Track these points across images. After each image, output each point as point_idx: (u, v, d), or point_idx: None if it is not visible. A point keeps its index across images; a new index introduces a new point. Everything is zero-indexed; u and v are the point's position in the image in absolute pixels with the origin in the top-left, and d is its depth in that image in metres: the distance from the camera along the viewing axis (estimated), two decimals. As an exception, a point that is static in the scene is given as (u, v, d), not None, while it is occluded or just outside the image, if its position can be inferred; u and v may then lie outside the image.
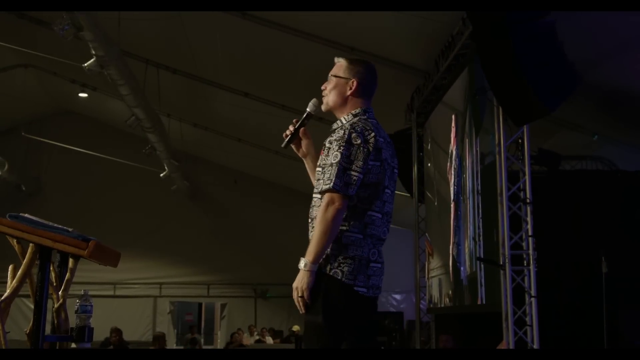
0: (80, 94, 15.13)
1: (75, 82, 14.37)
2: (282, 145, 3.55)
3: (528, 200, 6.61)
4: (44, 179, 17.93)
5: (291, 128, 3.52)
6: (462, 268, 8.11)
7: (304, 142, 3.56)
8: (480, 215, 7.28)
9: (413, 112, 10.61)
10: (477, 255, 7.30)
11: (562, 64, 5.99)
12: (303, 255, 3.11)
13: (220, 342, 17.70)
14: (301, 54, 10.35)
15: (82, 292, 3.23)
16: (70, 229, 3.08)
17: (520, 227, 6.61)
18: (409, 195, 11.40)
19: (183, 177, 16.34)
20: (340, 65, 3.43)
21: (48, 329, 3.11)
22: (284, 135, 3.53)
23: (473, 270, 7.50)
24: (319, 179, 3.21)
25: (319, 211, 3.13)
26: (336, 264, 3.11)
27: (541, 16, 5.92)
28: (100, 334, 10.17)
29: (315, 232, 3.11)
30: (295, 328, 15.16)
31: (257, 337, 15.74)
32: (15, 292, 2.97)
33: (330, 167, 3.14)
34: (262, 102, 12.09)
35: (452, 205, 9.17)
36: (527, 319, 6.43)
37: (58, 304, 3.19)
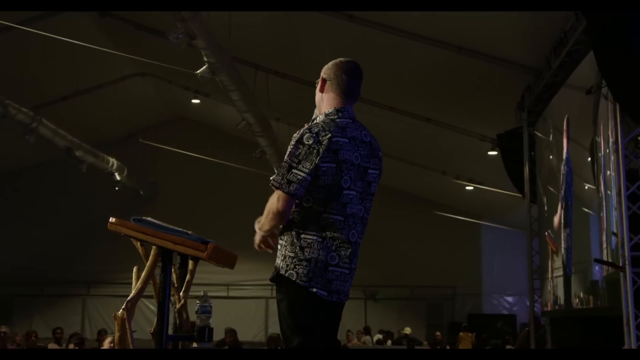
0: (193, 100, 15.59)
1: (189, 88, 14.85)
2: None
3: (649, 200, 6.34)
4: (159, 183, 18.57)
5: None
6: (597, 268, 7.54)
7: None
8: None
9: (524, 111, 10.33)
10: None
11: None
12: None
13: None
14: (408, 54, 10.30)
15: (201, 293, 3.32)
16: (189, 232, 3.18)
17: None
18: (520, 195, 11.13)
19: (292, 180, 16.49)
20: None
21: (170, 329, 3.20)
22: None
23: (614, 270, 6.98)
24: None
25: (271, 198, 3.17)
26: (292, 266, 3.08)
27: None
28: (215, 334, 10.31)
29: (264, 214, 3.20)
30: (407, 330, 15.03)
31: (378, 338, 15.56)
32: (140, 293, 3.09)
33: (281, 165, 3.18)
34: (370, 104, 12.10)
35: (560, 202, 8.72)
36: (650, 323, 6.17)
37: (180, 304, 3.29)
